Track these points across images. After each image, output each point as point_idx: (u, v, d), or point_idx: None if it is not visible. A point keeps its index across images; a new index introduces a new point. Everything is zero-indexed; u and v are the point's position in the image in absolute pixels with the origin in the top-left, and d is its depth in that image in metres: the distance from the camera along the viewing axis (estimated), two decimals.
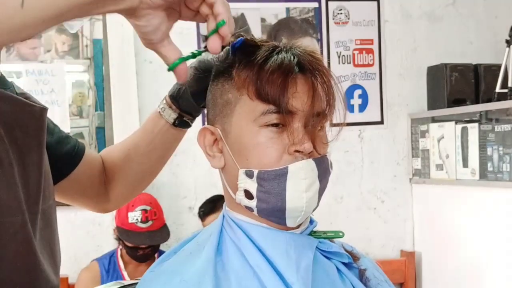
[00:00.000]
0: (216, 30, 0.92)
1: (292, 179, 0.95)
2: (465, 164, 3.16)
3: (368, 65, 3.60)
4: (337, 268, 1.03)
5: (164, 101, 1.23)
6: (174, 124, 1.23)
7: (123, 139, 1.34)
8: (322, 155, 0.99)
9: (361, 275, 1.05)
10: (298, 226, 1.02)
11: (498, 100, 3.08)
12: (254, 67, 0.97)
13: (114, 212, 3.00)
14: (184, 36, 3.14)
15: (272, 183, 0.96)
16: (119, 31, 3.22)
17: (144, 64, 3.33)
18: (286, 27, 3.50)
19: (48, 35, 3.71)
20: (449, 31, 3.70)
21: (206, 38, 0.94)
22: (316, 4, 3.53)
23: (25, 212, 1.03)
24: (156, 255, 2.96)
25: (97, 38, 3.83)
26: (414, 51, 3.66)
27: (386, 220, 3.64)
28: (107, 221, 3.26)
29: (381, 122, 3.63)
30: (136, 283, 1.10)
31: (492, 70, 3.38)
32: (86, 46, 4.00)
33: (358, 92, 3.59)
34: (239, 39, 0.99)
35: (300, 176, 0.96)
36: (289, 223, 0.99)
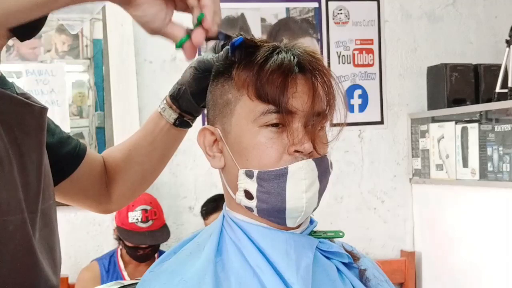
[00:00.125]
0: (199, 23, 0.92)
1: (292, 179, 0.95)
2: (465, 164, 3.16)
3: (368, 65, 3.60)
4: (337, 268, 1.03)
5: (165, 101, 1.23)
6: (174, 124, 1.23)
7: (124, 140, 1.34)
8: (322, 155, 0.99)
9: (361, 275, 1.05)
10: (298, 226, 1.02)
11: (498, 100, 3.08)
12: (254, 67, 0.97)
13: (114, 212, 3.00)
14: None
15: (272, 183, 0.96)
16: (119, 31, 3.22)
17: (144, 64, 3.33)
18: (286, 27, 3.50)
19: (48, 35, 3.71)
20: (449, 31, 3.70)
21: (190, 31, 0.94)
22: (316, 4, 3.53)
23: (25, 211, 1.03)
24: (156, 255, 2.96)
25: (97, 38, 3.83)
26: (414, 51, 3.66)
27: (386, 220, 3.64)
28: (107, 221, 3.26)
29: (381, 122, 3.63)
30: (136, 283, 1.10)
31: (492, 70, 3.38)
32: (86, 46, 4.01)
33: (358, 92, 3.59)
34: (238, 38, 0.99)
35: (300, 177, 0.96)
36: (289, 223, 0.99)
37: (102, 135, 3.76)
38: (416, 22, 3.66)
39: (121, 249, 3.00)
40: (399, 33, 3.64)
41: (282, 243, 0.98)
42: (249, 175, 0.97)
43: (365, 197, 3.62)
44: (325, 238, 1.04)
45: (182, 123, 1.23)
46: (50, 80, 3.19)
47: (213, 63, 1.08)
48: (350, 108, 3.52)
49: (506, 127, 2.89)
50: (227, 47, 1.01)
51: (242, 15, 3.42)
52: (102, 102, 3.73)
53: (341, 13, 3.56)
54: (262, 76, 0.96)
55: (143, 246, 2.91)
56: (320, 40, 3.53)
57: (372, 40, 3.60)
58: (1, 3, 0.82)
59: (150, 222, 2.92)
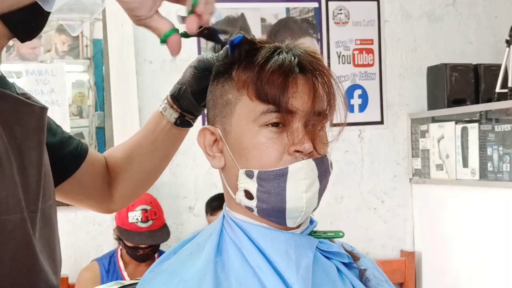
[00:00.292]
0: (192, 11, 0.92)
1: (292, 179, 0.95)
2: (465, 164, 3.16)
3: (368, 65, 3.60)
4: (337, 268, 1.03)
5: (166, 101, 1.23)
6: (175, 123, 1.23)
7: (125, 140, 1.34)
8: (322, 155, 0.99)
9: (361, 275, 1.05)
10: (298, 226, 1.02)
11: (498, 100, 3.08)
12: (255, 67, 0.97)
13: (114, 212, 3.00)
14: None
15: (272, 183, 0.96)
16: (119, 31, 3.22)
17: (144, 64, 3.33)
18: (286, 27, 3.50)
19: (48, 35, 3.72)
20: (449, 31, 3.70)
21: (183, 19, 0.93)
22: (316, 4, 3.53)
23: (24, 210, 1.03)
24: (156, 255, 2.95)
25: (97, 38, 3.83)
26: (414, 51, 3.66)
27: (386, 220, 3.64)
28: (107, 221, 3.26)
29: (381, 122, 3.63)
30: (136, 283, 1.10)
31: (492, 70, 3.38)
32: (86, 46, 4.01)
33: (358, 92, 3.59)
34: (237, 36, 0.99)
35: (300, 176, 0.96)
36: (289, 223, 0.99)
37: (102, 135, 3.76)
38: (416, 22, 3.66)
39: (121, 249, 3.00)
40: (399, 33, 3.64)
41: (282, 243, 0.98)
42: (249, 175, 0.97)
43: (365, 197, 3.62)
44: (325, 238, 1.04)
45: (183, 123, 1.24)
46: (50, 80, 3.19)
47: (213, 62, 1.08)
48: (350, 108, 3.52)
49: (506, 127, 2.89)
50: (227, 46, 1.01)
51: (242, 15, 3.42)
52: (102, 102, 3.73)
53: (341, 13, 3.56)
54: (262, 76, 0.96)
55: (143, 246, 2.91)
56: (320, 40, 3.53)
57: (372, 40, 3.60)
58: None
59: (150, 222, 2.92)
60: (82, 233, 3.28)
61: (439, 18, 3.69)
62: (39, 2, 0.91)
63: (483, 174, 3.03)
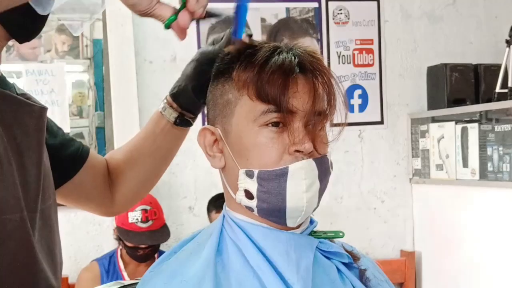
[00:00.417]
0: (184, 6, 0.93)
1: (293, 179, 0.95)
2: (465, 164, 3.16)
3: (368, 65, 3.60)
4: (337, 268, 1.03)
5: (165, 101, 1.23)
6: (175, 123, 1.23)
7: (126, 140, 1.34)
8: (323, 155, 0.99)
9: (362, 275, 1.05)
10: (298, 226, 1.02)
11: (498, 100, 3.08)
12: (255, 67, 0.97)
13: None
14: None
15: (273, 183, 0.96)
16: (119, 31, 3.22)
17: (144, 64, 3.33)
18: (286, 27, 3.50)
19: (48, 35, 3.72)
20: (449, 31, 3.70)
21: (179, 11, 0.95)
22: (316, 4, 3.53)
23: (24, 210, 1.03)
24: (156, 255, 2.95)
25: (97, 38, 3.83)
26: (414, 51, 3.66)
27: (386, 220, 3.64)
28: (107, 221, 3.26)
29: (381, 122, 3.63)
30: (136, 283, 1.10)
31: (492, 70, 3.38)
32: (86, 46, 4.01)
33: (358, 92, 3.59)
34: (240, 32, 0.99)
35: (300, 176, 0.96)
36: (289, 223, 0.99)
37: (102, 135, 3.77)
38: (416, 22, 3.66)
39: (121, 249, 3.00)
40: (399, 33, 3.64)
41: (282, 243, 0.98)
42: (250, 175, 0.97)
43: (365, 197, 3.62)
44: (325, 238, 1.04)
45: (183, 122, 1.23)
46: (50, 80, 3.19)
47: (215, 52, 1.08)
48: (350, 108, 3.52)
49: (506, 127, 2.89)
50: (227, 35, 1.02)
51: None
52: (102, 102, 3.74)
53: (341, 13, 3.56)
54: (262, 76, 0.96)
55: (143, 246, 2.91)
56: (320, 40, 3.53)
57: (372, 40, 3.60)
58: None
59: (150, 222, 2.91)
60: (82, 233, 3.28)
61: (439, 18, 3.69)
62: (31, 4, 0.91)
63: (483, 174, 3.03)
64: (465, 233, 3.22)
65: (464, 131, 3.16)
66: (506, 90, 3.07)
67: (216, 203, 3.13)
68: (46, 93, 3.17)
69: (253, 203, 0.98)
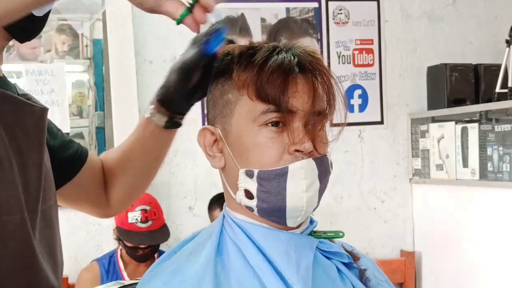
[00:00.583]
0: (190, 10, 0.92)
1: (292, 179, 0.95)
2: (465, 164, 3.16)
3: (368, 65, 3.60)
4: (337, 268, 1.03)
5: (152, 107, 1.21)
6: (165, 127, 1.22)
7: (120, 143, 1.34)
8: (322, 155, 0.99)
9: (361, 275, 1.05)
10: (298, 226, 1.02)
11: (498, 100, 3.08)
12: (254, 67, 0.97)
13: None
14: (184, 35, 3.14)
15: (272, 182, 0.96)
16: (119, 31, 3.22)
17: (144, 64, 3.33)
18: (286, 27, 3.50)
19: (48, 35, 3.71)
20: (449, 31, 3.70)
21: (192, 6, 0.94)
22: (316, 4, 3.53)
23: (24, 211, 1.03)
24: (156, 255, 2.95)
25: (97, 38, 3.83)
26: (414, 51, 3.66)
27: (386, 220, 3.64)
28: (107, 221, 3.26)
29: (381, 122, 3.63)
30: (136, 283, 1.10)
31: (492, 70, 3.38)
32: (86, 46, 4.01)
33: (358, 92, 3.59)
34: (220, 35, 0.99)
35: (300, 176, 0.96)
36: (289, 223, 0.99)
37: (102, 135, 3.76)
38: (416, 22, 3.66)
39: (121, 249, 3.00)
40: (399, 33, 3.64)
41: (283, 243, 0.98)
42: (250, 174, 0.97)
43: (365, 197, 3.62)
44: (325, 238, 1.04)
45: (173, 124, 1.23)
46: (50, 80, 3.19)
47: (197, 58, 1.06)
48: (350, 108, 3.52)
49: (506, 127, 2.89)
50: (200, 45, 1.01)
51: (242, 15, 3.42)
52: (102, 102, 3.73)
53: (341, 13, 3.56)
54: (262, 76, 0.96)
55: (143, 246, 2.91)
56: (320, 40, 3.53)
57: (372, 40, 3.60)
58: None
59: (149, 222, 2.91)
60: (82, 233, 3.28)
61: (439, 18, 3.69)
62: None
63: (483, 174, 3.03)
64: (465, 233, 3.22)
65: (464, 131, 3.16)
66: (506, 90, 3.07)
67: (219, 201, 3.12)
68: (46, 93, 3.16)
69: (253, 203, 0.98)
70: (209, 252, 0.98)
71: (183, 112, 1.21)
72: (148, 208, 2.93)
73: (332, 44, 3.55)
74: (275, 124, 0.96)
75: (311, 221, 1.05)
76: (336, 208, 3.55)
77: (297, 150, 0.96)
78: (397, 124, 3.65)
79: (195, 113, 3.51)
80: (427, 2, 3.67)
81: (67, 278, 3.11)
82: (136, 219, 2.89)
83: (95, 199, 1.31)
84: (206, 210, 3.20)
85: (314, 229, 1.05)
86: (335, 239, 1.07)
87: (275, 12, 3.50)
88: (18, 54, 3.65)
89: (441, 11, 3.69)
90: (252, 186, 0.97)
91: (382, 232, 3.63)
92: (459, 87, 3.42)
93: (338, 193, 3.56)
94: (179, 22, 0.93)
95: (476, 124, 3.07)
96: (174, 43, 3.24)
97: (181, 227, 3.37)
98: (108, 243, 3.24)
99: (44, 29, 1.12)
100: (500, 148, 2.92)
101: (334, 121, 1.01)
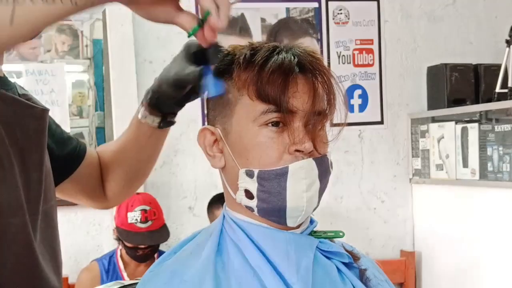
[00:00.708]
0: (205, 19, 0.93)
1: (293, 179, 0.95)
2: (465, 164, 3.16)
3: (368, 65, 3.60)
4: (338, 268, 1.02)
5: (143, 109, 1.22)
6: (159, 127, 1.23)
7: (117, 137, 1.35)
8: (323, 155, 0.99)
9: (362, 275, 1.05)
10: (299, 226, 1.01)
11: (498, 100, 3.08)
12: (255, 67, 0.97)
13: (114, 213, 3.00)
14: (184, 35, 3.14)
15: (273, 182, 0.96)
16: (119, 31, 3.22)
17: (144, 64, 3.33)
18: (286, 27, 3.50)
19: (48, 35, 3.72)
20: (449, 31, 3.70)
21: (202, 21, 0.94)
22: (316, 4, 3.53)
23: (26, 213, 1.04)
24: (155, 255, 2.95)
25: (97, 38, 3.83)
26: (414, 51, 3.66)
27: (386, 220, 3.64)
28: (107, 221, 3.26)
29: (381, 122, 3.63)
30: (136, 283, 1.10)
31: (492, 70, 3.38)
32: (86, 46, 4.01)
33: (358, 92, 3.59)
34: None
35: (300, 176, 0.96)
36: (290, 222, 0.99)
37: (102, 135, 3.76)
38: (416, 22, 3.66)
39: (120, 250, 3.00)
40: (399, 33, 3.64)
41: (283, 243, 0.98)
42: (250, 174, 0.97)
43: (365, 197, 3.62)
44: (325, 238, 1.04)
45: (166, 123, 1.24)
46: (50, 80, 3.19)
47: (194, 77, 1.04)
48: (350, 108, 3.52)
49: (506, 127, 2.89)
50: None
51: (242, 15, 3.42)
52: (102, 102, 3.73)
53: (341, 13, 3.56)
54: (262, 76, 0.96)
55: (142, 246, 2.91)
56: (320, 40, 3.53)
57: (372, 40, 3.60)
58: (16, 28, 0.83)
59: (149, 223, 2.91)
60: (82, 233, 3.28)
61: (439, 18, 3.69)
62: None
63: (483, 174, 3.03)
64: (465, 233, 3.22)
65: (464, 131, 3.16)
66: (506, 90, 3.07)
67: (220, 201, 3.11)
68: (46, 93, 3.16)
69: (253, 203, 0.98)
70: (209, 252, 0.98)
71: (175, 112, 1.21)
72: (147, 208, 2.93)
73: (332, 44, 3.55)
74: (275, 124, 0.96)
75: (311, 221, 1.05)
76: (336, 208, 3.55)
77: (297, 150, 0.96)
78: (397, 124, 3.65)
79: (195, 113, 3.52)
80: (427, 2, 3.67)
81: (67, 278, 3.11)
82: (136, 219, 2.89)
83: (93, 192, 1.32)
84: (206, 210, 3.19)
85: (314, 229, 1.05)
86: (335, 239, 1.07)
87: (275, 12, 3.50)
88: (18, 54, 3.65)
89: (441, 11, 3.69)
90: (252, 186, 0.97)
91: (382, 232, 3.63)
92: (459, 87, 3.42)
93: (338, 193, 3.56)
94: (190, 35, 0.94)
95: (476, 124, 3.07)
96: (174, 43, 3.24)
97: (181, 227, 3.37)
98: (108, 243, 3.23)
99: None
100: (500, 148, 2.92)
101: (334, 121, 1.01)
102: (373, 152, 3.62)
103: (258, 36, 3.39)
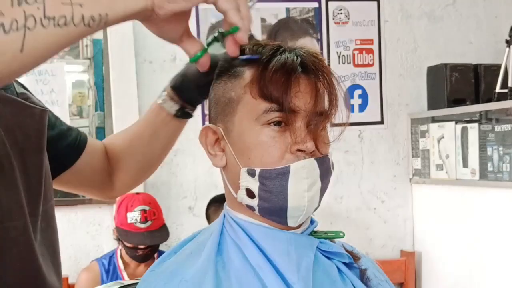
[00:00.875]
0: (230, 32, 0.93)
1: (294, 178, 0.95)
2: (465, 164, 3.16)
3: (368, 65, 3.60)
4: (338, 268, 1.02)
5: (165, 93, 1.23)
6: (175, 115, 1.23)
7: (125, 128, 1.35)
8: (324, 155, 0.99)
9: (362, 275, 1.05)
10: (299, 226, 1.01)
11: (498, 100, 3.08)
12: (258, 66, 0.97)
13: (114, 213, 3.00)
14: None
15: (274, 182, 0.96)
16: (119, 31, 3.22)
17: (144, 64, 3.33)
18: (286, 27, 3.50)
19: None
20: (449, 31, 3.70)
21: (222, 35, 0.96)
22: (316, 4, 3.53)
23: (27, 216, 1.04)
24: (155, 255, 2.95)
25: (97, 38, 3.83)
26: (414, 51, 3.66)
27: (386, 220, 3.64)
28: (107, 221, 3.26)
29: (381, 122, 3.63)
30: (136, 283, 1.10)
31: (492, 70, 3.38)
32: (86, 46, 4.01)
33: (358, 92, 3.59)
34: (254, 57, 0.99)
35: (302, 175, 0.96)
36: (290, 222, 0.99)
37: (102, 135, 3.77)
38: (416, 22, 3.66)
39: (120, 250, 3.00)
40: (399, 33, 3.65)
41: (283, 243, 0.98)
42: (251, 173, 0.97)
43: (365, 197, 3.62)
44: (325, 238, 1.04)
45: (183, 114, 1.24)
46: (50, 80, 3.19)
47: (227, 59, 1.06)
48: (350, 108, 3.52)
49: (506, 127, 2.89)
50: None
51: None
52: (102, 102, 3.74)
53: (341, 13, 3.56)
54: (265, 75, 0.96)
55: (142, 246, 2.90)
56: (320, 40, 3.53)
57: (372, 40, 3.60)
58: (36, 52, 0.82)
59: (149, 223, 2.91)
60: (82, 233, 3.28)
61: (439, 18, 3.69)
62: None
63: (483, 174, 3.03)
64: (465, 233, 3.22)
65: (464, 131, 3.16)
66: (506, 90, 3.07)
67: (218, 203, 3.11)
68: (46, 93, 3.16)
69: (254, 202, 0.98)
70: (209, 252, 0.98)
71: (194, 103, 1.22)
72: (147, 208, 2.93)
73: (332, 44, 3.55)
74: (277, 123, 0.96)
75: (312, 221, 1.05)
76: (336, 208, 3.55)
77: (299, 150, 0.96)
78: (397, 124, 3.65)
79: (195, 113, 3.52)
80: (427, 2, 3.67)
81: (67, 278, 3.11)
82: (136, 219, 2.89)
83: (96, 182, 1.32)
84: (205, 210, 3.20)
85: (315, 229, 1.05)
86: (335, 239, 1.07)
87: (275, 12, 3.50)
88: None
89: (441, 11, 3.69)
90: (254, 185, 0.97)
91: (382, 232, 3.63)
92: (459, 87, 3.42)
93: (338, 193, 3.56)
94: (192, 61, 0.97)
95: (476, 124, 3.07)
96: (174, 44, 3.24)
97: (181, 227, 3.37)
98: (108, 243, 3.24)
99: None
100: (500, 148, 2.92)
101: (335, 122, 1.01)
102: (373, 152, 3.62)
103: (258, 36, 3.39)
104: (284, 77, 0.95)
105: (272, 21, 3.49)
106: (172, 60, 3.34)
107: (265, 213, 0.99)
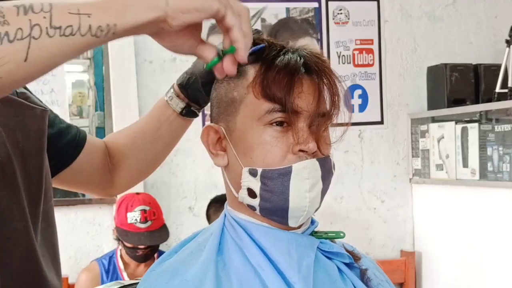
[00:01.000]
0: (229, 52, 0.92)
1: (296, 179, 0.95)
2: (465, 164, 3.16)
3: (368, 65, 3.60)
4: (338, 268, 1.02)
5: (172, 90, 1.23)
6: (181, 113, 1.23)
7: (129, 125, 1.34)
8: (326, 156, 0.99)
9: (363, 275, 1.05)
10: (300, 226, 1.01)
11: (498, 100, 3.09)
12: (261, 66, 0.97)
13: (114, 213, 3.00)
14: None
15: (276, 182, 0.96)
16: None
17: (144, 64, 3.33)
18: (286, 27, 3.50)
19: None
20: (449, 31, 3.70)
21: (223, 52, 0.94)
22: (316, 4, 3.53)
23: (28, 217, 1.04)
24: (155, 255, 2.95)
25: None
26: (414, 51, 3.66)
27: (386, 220, 3.64)
28: (107, 221, 3.26)
29: (381, 122, 3.63)
30: (136, 283, 1.10)
31: (492, 70, 3.38)
32: None
33: (358, 92, 3.59)
34: (260, 46, 0.98)
35: (303, 176, 0.95)
36: (291, 222, 0.98)
37: (102, 135, 3.76)
38: (416, 22, 3.67)
39: (120, 250, 3.00)
40: (399, 33, 3.65)
41: (284, 243, 0.98)
42: (253, 173, 0.97)
43: (365, 197, 3.62)
44: (326, 238, 1.04)
45: (189, 113, 1.24)
46: (50, 80, 3.19)
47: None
48: (352, 109, 3.52)
49: (506, 127, 2.89)
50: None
51: None
52: (102, 102, 3.74)
53: (341, 13, 3.56)
54: (268, 75, 0.96)
55: (142, 246, 2.90)
56: (320, 40, 3.53)
57: (372, 40, 3.60)
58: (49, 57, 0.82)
59: (149, 223, 2.91)
60: (82, 233, 3.28)
61: (439, 18, 3.69)
62: None
63: (483, 174, 3.03)
64: (465, 233, 3.22)
65: (464, 131, 3.16)
66: (506, 90, 3.07)
67: (218, 204, 3.11)
68: (46, 93, 3.17)
69: (255, 202, 0.98)
70: (210, 251, 0.98)
71: (200, 102, 1.22)
72: (147, 208, 2.93)
73: (332, 44, 3.55)
74: (280, 123, 0.96)
75: (312, 222, 1.05)
76: (336, 208, 3.55)
77: (301, 150, 0.96)
78: (397, 124, 3.65)
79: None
80: (427, 2, 3.67)
81: (67, 278, 3.12)
82: (136, 219, 2.89)
83: (96, 180, 1.31)
84: (206, 210, 3.20)
85: (315, 229, 1.05)
86: (336, 239, 1.07)
87: (275, 12, 3.50)
88: None
89: (441, 11, 3.70)
90: (255, 185, 0.97)
91: (382, 232, 3.63)
92: (459, 87, 3.42)
93: (338, 193, 3.56)
94: (209, 67, 0.95)
95: (476, 124, 3.08)
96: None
97: (181, 227, 3.37)
98: (108, 243, 3.24)
99: None
100: (500, 148, 2.92)
101: (336, 122, 1.01)
102: (373, 152, 3.62)
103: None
104: (287, 78, 0.95)
105: (272, 21, 3.49)
106: (172, 60, 3.34)
107: (266, 213, 0.99)
